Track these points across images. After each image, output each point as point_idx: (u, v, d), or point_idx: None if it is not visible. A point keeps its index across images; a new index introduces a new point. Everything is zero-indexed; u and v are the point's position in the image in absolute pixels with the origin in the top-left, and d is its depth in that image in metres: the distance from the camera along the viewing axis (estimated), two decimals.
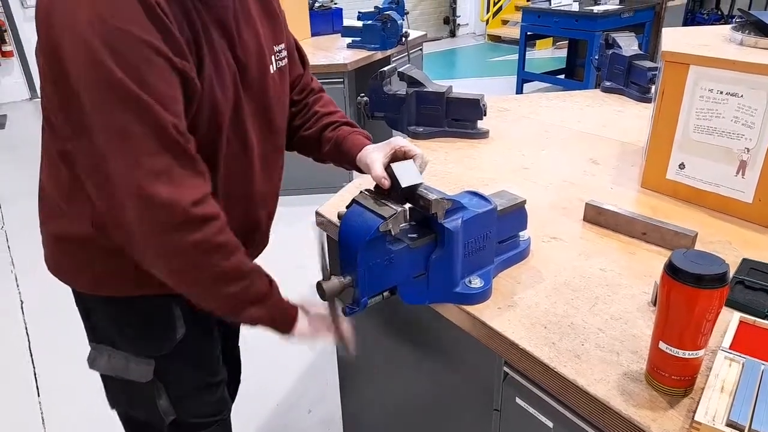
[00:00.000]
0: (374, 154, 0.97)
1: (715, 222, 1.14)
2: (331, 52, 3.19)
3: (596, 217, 1.14)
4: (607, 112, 1.87)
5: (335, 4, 3.67)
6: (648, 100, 1.89)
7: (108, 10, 0.70)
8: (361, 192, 0.86)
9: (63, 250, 0.97)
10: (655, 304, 0.86)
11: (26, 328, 2.40)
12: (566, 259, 1.03)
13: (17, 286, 2.68)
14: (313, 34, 3.59)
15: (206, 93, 0.83)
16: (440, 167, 1.44)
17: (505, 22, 8.56)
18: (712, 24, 5.97)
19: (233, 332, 1.34)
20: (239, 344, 1.39)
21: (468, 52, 8.16)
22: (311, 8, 3.56)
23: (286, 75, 1.05)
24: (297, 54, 1.15)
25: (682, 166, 1.20)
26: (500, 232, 0.95)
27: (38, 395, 2.05)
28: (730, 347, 0.75)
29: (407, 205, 0.85)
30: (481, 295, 0.90)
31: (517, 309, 0.89)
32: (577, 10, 4.76)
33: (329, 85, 2.92)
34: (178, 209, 0.76)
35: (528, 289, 0.94)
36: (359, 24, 3.27)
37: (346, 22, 3.65)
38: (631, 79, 1.98)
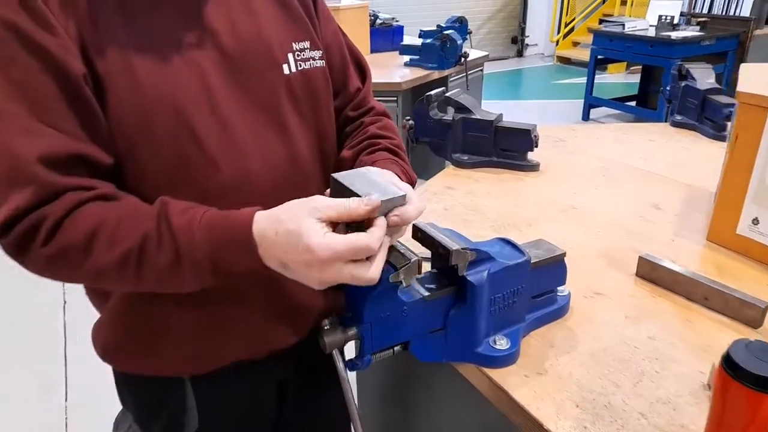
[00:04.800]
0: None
1: None
2: (387, 70, 3.14)
3: (650, 273, 1.01)
4: (675, 149, 1.71)
5: (396, 21, 3.63)
6: (723, 139, 1.71)
7: None
8: None
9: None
10: (710, 389, 0.73)
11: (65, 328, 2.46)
12: (609, 320, 0.90)
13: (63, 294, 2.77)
14: (372, 51, 3.56)
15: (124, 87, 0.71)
16: (481, 201, 1.34)
17: (576, 44, 8.32)
18: None
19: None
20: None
21: (535, 73, 7.98)
22: (372, 25, 3.54)
23: (317, 79, 0.88)
24: (355, 67, 1.00)
25: (756, 221, 1.05)
26: (533, 287, 0.85)
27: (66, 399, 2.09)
28: None
29: (425, 254, 0.76)
30: (506, 359, 0.80)
31: (547, 378, 0.78)
32: (653, 35, 4.53)
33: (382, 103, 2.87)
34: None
35: (562, 355, 0.83)
36: (419, 42, 3.21)
37: (407, 40, 3.60)
38: (705, 115, 1.81)
